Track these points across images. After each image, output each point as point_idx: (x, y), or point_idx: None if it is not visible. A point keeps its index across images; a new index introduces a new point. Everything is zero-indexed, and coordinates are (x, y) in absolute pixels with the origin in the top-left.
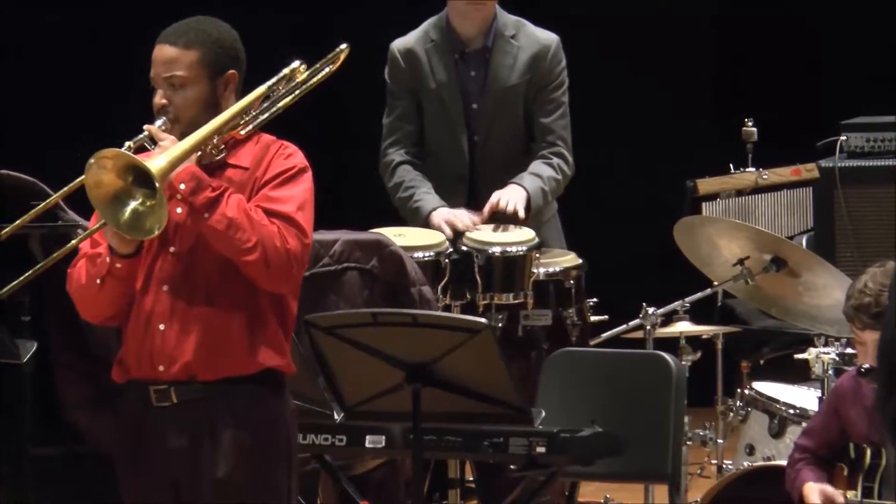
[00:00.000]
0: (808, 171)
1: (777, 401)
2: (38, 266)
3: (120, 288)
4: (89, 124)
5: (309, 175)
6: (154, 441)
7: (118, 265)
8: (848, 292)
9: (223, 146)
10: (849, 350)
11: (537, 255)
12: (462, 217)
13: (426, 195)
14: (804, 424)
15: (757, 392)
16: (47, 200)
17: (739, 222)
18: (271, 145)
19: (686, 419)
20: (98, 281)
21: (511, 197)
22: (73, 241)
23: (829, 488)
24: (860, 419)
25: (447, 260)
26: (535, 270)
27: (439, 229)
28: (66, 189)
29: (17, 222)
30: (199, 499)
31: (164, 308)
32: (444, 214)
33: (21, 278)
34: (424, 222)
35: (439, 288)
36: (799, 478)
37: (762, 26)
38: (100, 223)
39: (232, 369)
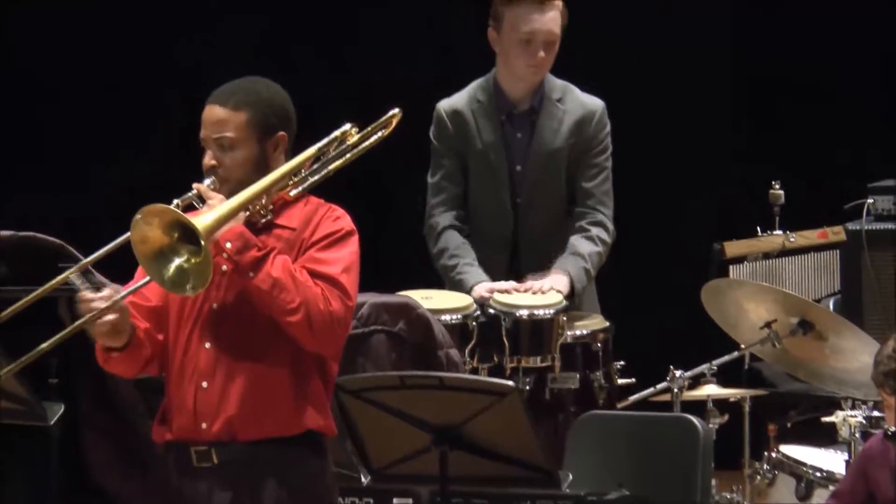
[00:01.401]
0: (835, 234)
1: (804, 464)
2: (60, 335)
3: (128, 363)
4: (130, 142)
5: (356, 238)
6: (194, 501)
7: (114, 355)
8: (876, 358)
9: (272, 207)
10: (876, 413)
11: (564, 318)
12: (506, 288)
13: (470, 268)
14: (831, 487)
15: (784, 455)
16: (81, 262)
17: (767, 285)
18: (320, 208)
19: (713, 482)
20: (105, 361)
21: (550, 283)
22: (115, 297)
23: None
24: (888, 482)
25: (474, 323)
26: (562, 333)
27: (483, 300)
28: (101, 251)
29: (46, 286)
30: None
31: (207, 365)
32: (487, 286)
33: (27, 355)
34: (466, 291)
35: (467, 351)
36: None
37: (791, 90)
38: (141, 282)
39: (274, 430)
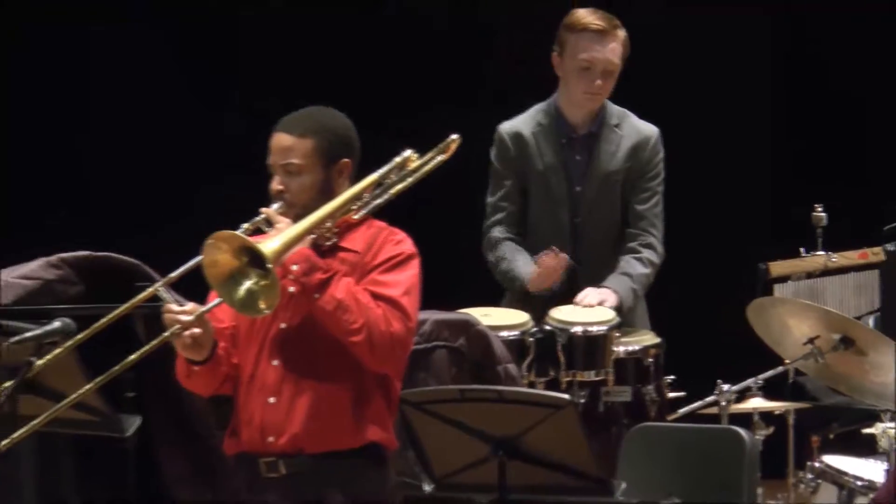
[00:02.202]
0: (875, 254)
1: (846, 473)
2: (135, 356)
3: (208, 378)
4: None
5: (416, 262)
6: None
7: (196, 369)
8: None
9: (336, 230)
10: None
11: (617, 335)
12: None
13: (524, 265)
14: (871, 495)
15: (827, 465)
16: (158, 283)
17: (809, 303)
18: (382, 231)
19: (759, 491)
20: (186, 375)
21: (599, 296)
22: (187, 319)
23: None
24: None
25: (531, 339)
26: (615, 349)
27: (535, 286)
28: (176, 273)
29: (125, 306)
30: None
31: (274, 382)
32: (530, 273)
33: (114, 368)
34: (522, 289)
35: (524, 365)
36: None
37: (834, 115)
38: (213, 303)
39: (338, 443)
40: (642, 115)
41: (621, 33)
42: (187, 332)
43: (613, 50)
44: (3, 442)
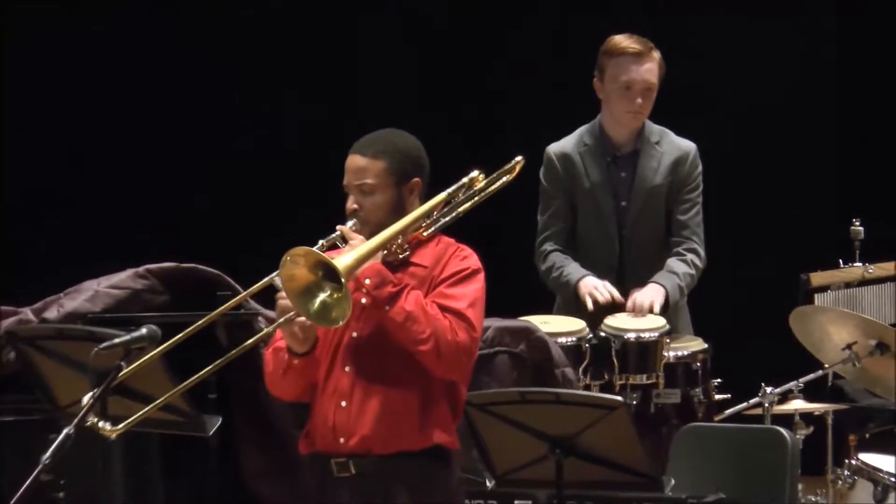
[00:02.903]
0: None
1: (881, 470)
2: (220, 362)
3: (300, 378)
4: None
5: (482, 276)
6: None
7: (296, 361)
8: None
9: (407, 245)
10: None
11: (668, 341)
12: (602, 290)
13: (574, 270)
14: None
15: (863, 462)
16: (240, 295)
17: (848, 311)
18: (449, 247)
19: (800, 487)
20: (281, 372)
21: (649, 296)
22: (267, 330)
23: None
24: None
25: (587, 345)
26: (665, 354)
27: (584, 299)
28: (257, 286)
29: (213, 314)
30: None
31: (346, 387)
32: (589, 285)
33: (201, 373)
34: (573, 291)
35: (580, 369)
36: None
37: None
38: (289, 315)
39: (404, 445)
40: (684, 132)
41: (656, 54)
42: (300, 318)
43: (650, 70)
44: (125, 423)
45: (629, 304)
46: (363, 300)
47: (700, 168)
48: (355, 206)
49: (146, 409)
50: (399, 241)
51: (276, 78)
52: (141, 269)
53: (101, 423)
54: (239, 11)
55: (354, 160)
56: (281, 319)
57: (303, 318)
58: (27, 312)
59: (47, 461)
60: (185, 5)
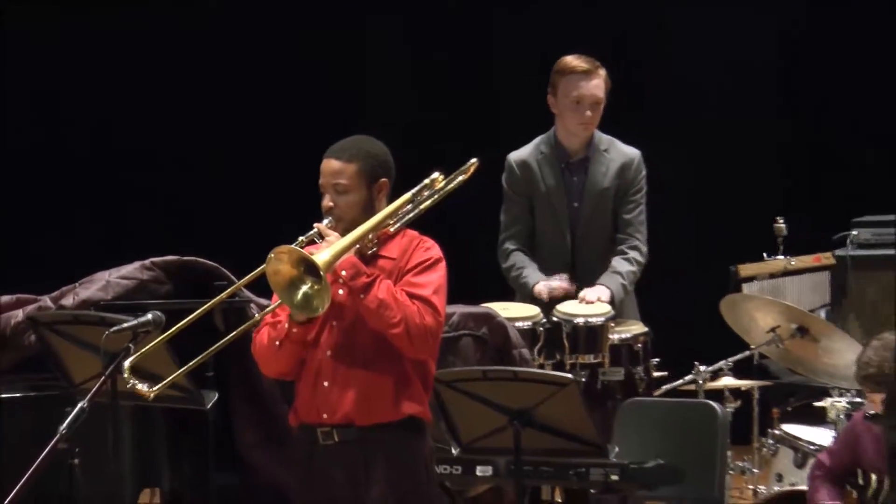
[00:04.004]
0: (826, 258)
1: (801, 439)
2: (218, 345)
3: (294, 349)
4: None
5: (443, 264)
6: (320, 473)
7: (294, 330)
8: (857, 364)
9: (376, 241)
10: (857, 399)
11: (612, 325)
12: (555, 286)
13: (531, 273)
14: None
15: (785, 432)
16: (234, 285)
17: (772, 299)
18: (413, 239)
19: (729, 454)
20: (277, 343)
21: (596, 295)
22: (258, 317)
23: None
24: (874, 450)
25: (541, 328)
26: (610, 337)
27: (540, 296)
28: (248, 277)
29: (212, 302)
30: None
31: (328, 369)
32: (542, 286)
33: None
34: (530, 292)
35: (535, 350)
36: (816, 495)
37: (795, 144)
38: (277, 303)
39: (382, 417)
40: (627, 139)
41: (602, 72)
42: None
43: (597, 86)
44: (153, 389)
45: (578, 298)
46: (340, 291)
47: (643, 172)
48: (331, 204)
49: (172, 376)
50: (370, 237)
51: None
52: (147, 261)
53: (139, 385)
54: None
55: (330, 163)
56: (276, 304)
57: None
58: (46, 300)
59: (64, 431)
60: None
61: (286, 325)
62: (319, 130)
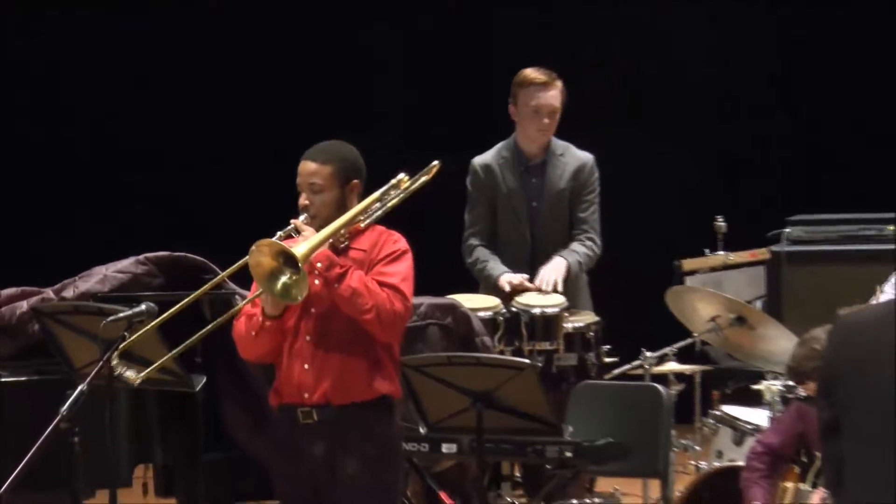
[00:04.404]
0: (762, 254)
1: (738, 419)
2: (203, 331)
3: (269, 338)
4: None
5: (410, 255)
6: (300, 449)
7: (268, 323)
8: (790, 356)
9: (348, 235)
10: (790, 383)
11: (567, 315)
12: (515, 279)
13: (494, 266)
14: (758, 435)
15: (724, 413)
16: (218, 276)
17: (712, 291)
18: (383, 234)
19: (673, 433)
20: (253, 333)
21: (554, 270)
22: (239, 306)
23: None
24: (815, 430)
25: (501, 318)
26: (565, 325)
27: (503, 287)
28: (231, 269)
29: (198, 292)
30: (335, 496)
31: (307, 353)
32: (505, 278)
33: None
34: (494, 284)
35: (496, 338)
36: (749, 492)
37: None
38: (258, 292)
39: (356, 396)
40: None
41: (559, 83)
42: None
43: (554, 96)
44: (141, 374)
45: (537, 278)
46: (316, 281)
47: (596, 175)
48: (306, 202)
49: (153, 366)
50: (342, 232)
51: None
52: (141, 256)
53: (126, 372)
54: None
55: (306, 165)
56: (260, 291)
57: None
58: (49, 292)
59: (65, 412)
60: None
61: (260, 319)
62: (294, 135)
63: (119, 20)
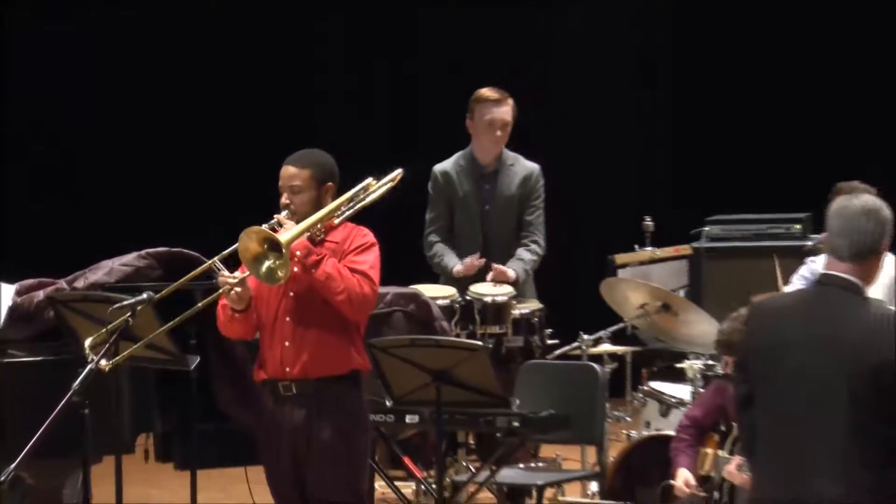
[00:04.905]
0: (685, 250)
1: (664, 394)
2: (191, 310)
3: (239, 325)
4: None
5: (377, 247)
6: (281, 418)
7: (237, 315)
8: (719, 331)
9: (323, 230)
10: (710, 362)
11: (514, 302)
12: (468, 263)
13: (450, 260)
14: (681, 409)
15: (652, 388)
16: (208, 262)
17: (641, 281)
18: (353, 229)
19: (607, 406)
20: (228, 322)
21: (504, 273)
22: (218, 293)
23: (690, 478)
24: (732, 403)
25: (457, 305)
26: (513, 312)
27: (459, 274)
28: (223, 253)
29: (185, 278)
30: (311, 460)
31: (287, 331)
32: (459, 267)
33: (179, 317)
34: (449, 275)
35: (453, 323)
36: (676, 459)
37: (668, 152)
38: (245, 273)
39: (331, 371)
40: (529, 157)
41: (510, 101)
42: (234, 291)
43: (506, 112)
44: (118, 359)
45: (490, 275)
46: (295, 268)
47: (542, 182)
48: (287, 201)
49: (150, 336)
50: (318, 226)
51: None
52: (142, 252)
53: (101, 362)
54: None
55: (288, 169)
56: (219, 291)
57: (238, 288)
58: (62, 283)
59: (77, 387)
60: None
61: (230, 311)
62: (273, 144)
63: (119, 15)
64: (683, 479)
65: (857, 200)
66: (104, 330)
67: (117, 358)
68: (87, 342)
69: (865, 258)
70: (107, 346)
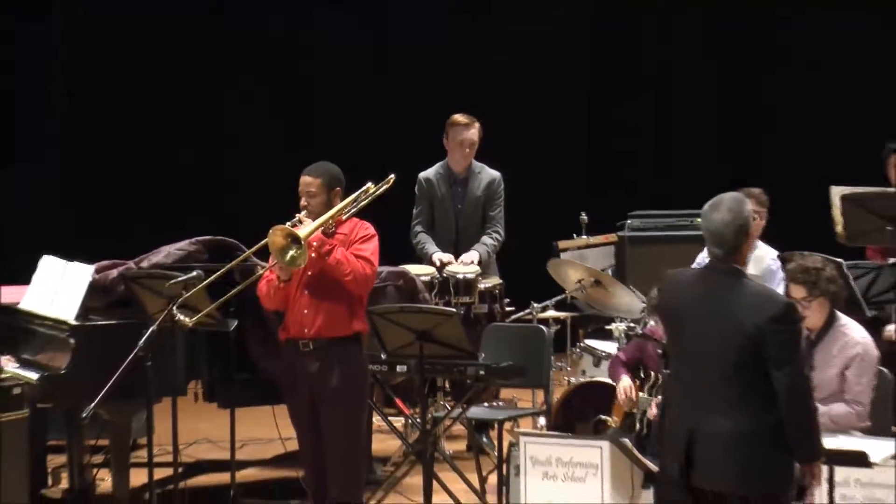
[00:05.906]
0: (612, 238)
1: (596, 349)
2: (236, 289)
3: (280, 295)
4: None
5: (377, 237)
6: (301, 370)
7: (281, 285)
8: (648, 297)
9: (334, 224)
10: (632, 325)
11: (480, 278)
12: (444, 257)
13: (431, 247)
14: (609, 360)
15: (587, 345)
16: (244, 254)
17: (579, 262)
18: (358, 223)
19: (552, 358)
20: (272, 291)
21: (470, 255)
22: (259, 273)
23: (630, 386)
24: (653, 356)
25: (436, 281)
26: (479, 286)
27: (434, 263)
28: (256, 247)
29: (231, 263)
30: (324, 403)
31: (306, 302)
32: (437, 256)
33: (226, 296)
34: (429, 260)
35: (433, 294)
36: (617, 372)
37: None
38: (273, 263)
39: (339, 332)
40: (491, 165)
41: (477, 125)
42: (280, 266)
43: (474, 134)
44: (193, 319)
45: (460, 258)
46: (312, 254)
47: (502, 186)
48: (305, 203)
49: (206, 310)
50: (330, 223)
51: None
52: (193, 239)
53: (183, 318)
54: None
55: (305, 178)
56: (257, 274)
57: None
58: (131, 263)
59: (142, 345)
60: None
61: (276, 282)
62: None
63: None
64: (625, 385)
65: (716, 214)
66: (168, 298)
67: (198, 316)
68: (152, 309)
69: (735, 253)
70: (165, 311)
